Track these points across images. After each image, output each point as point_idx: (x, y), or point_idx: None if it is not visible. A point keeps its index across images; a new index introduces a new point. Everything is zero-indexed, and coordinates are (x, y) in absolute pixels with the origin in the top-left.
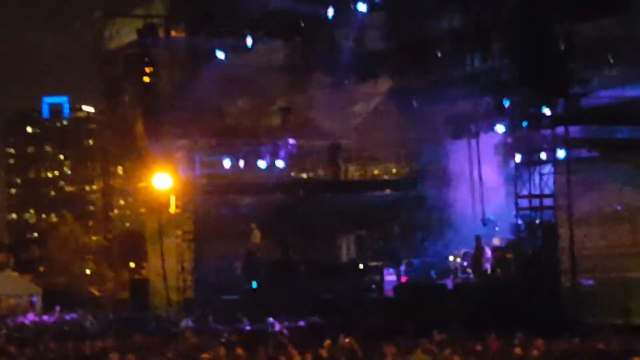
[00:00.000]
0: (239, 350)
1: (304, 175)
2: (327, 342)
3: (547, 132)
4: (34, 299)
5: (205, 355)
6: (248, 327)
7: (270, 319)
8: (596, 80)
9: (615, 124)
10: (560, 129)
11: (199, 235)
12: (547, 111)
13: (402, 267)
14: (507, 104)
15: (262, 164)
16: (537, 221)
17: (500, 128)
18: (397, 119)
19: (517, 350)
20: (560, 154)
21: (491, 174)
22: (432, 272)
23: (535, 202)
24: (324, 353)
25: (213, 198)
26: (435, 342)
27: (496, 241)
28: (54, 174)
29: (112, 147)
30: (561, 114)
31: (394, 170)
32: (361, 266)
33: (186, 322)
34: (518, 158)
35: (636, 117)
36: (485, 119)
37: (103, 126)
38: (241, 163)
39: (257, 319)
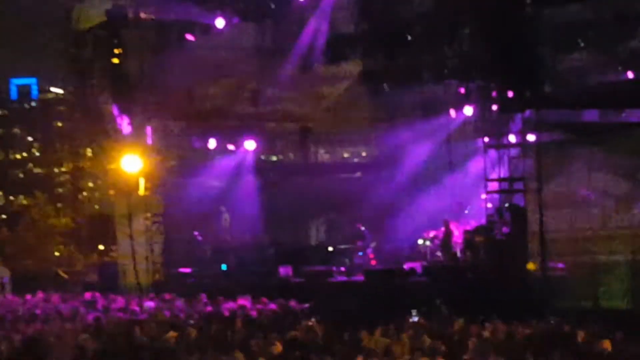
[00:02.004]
0: (209, 332)
1: (274, 158)
2: (298, 325)
3: (517, 115)
4: (5, 279)
5: (172, 334)
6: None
7: (241, 301)
8: (566, 64)
9: (584, 108)
10: (529, 113)
11: (169, 217)
12: (517, 95)
13: (371, 250)
14: (477, 87)
15: (231, 146)
16: (507, 205)
17: (469, 111)
18: (368, 101)
19: (486, 333)
20: (530, 137)
21: (460, 157)
22: (402, 256)
23: (505, 185)
24: (293, 336)
25: (183, 181)
26: (404, 326)
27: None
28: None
29: (81, 129)
30: (531, 97)
31: (364, 153)
32: (331, 249)
33: (153, 304)
34: (487, 141)
35: (605, 101)
36: (455, 103)
37: (72, 108)
38: (211, 145)
39: (227, 302)
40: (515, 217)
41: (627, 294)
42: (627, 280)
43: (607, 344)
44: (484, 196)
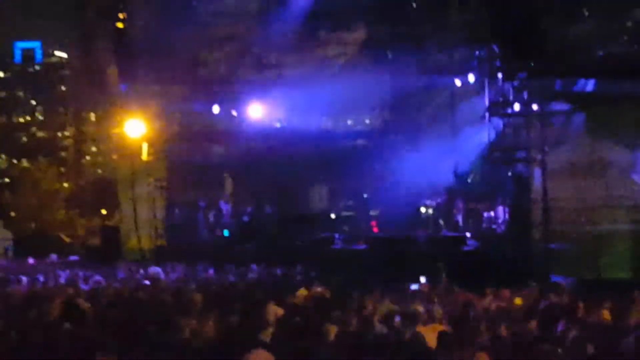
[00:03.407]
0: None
1: (277, 124)
2: (301, 290)
3: (521, 84)
4: (8, 247)
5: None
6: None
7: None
8: (571, 33)
9: (589, 77)
10: (534, 82)
11: (171, 183)
12: (521, 64)
13: (373, 218)
14: (481, 56)
15: (235, 112)
16: (510, 174)
17: (473, 79)
18: (371, 69)
19: (487, 302)
20: (534, 107)
21: (464, 126)
22: (404, 224)
23: (508, 155)
24: (296, 302)
25: (186, 146)
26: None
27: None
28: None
29: (85, 94)
30: (535, 67)
31: (367, 121)
32: (333, 216)
33: (155, 269)
34: (491, 110)
35: (610, 72)
36: (459, 71)
37: (76, 72)
38: (215, 111)
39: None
40: (518, 186)
41: (630, 264)
42: (630, 250)
43: (606, 314)
44: (487, 165)
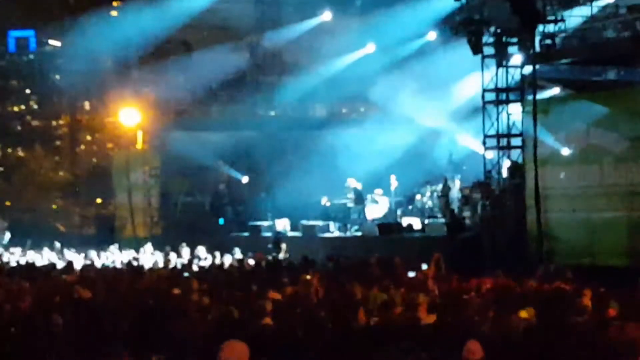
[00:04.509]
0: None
1: (272, 113)
2: (302, 276)
3: (517, 70)
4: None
5: (175, 290)
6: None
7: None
8: (566, 19)
9: (584, 64)
10: (529, 68)
11: (166, 171)
12: (517, 50)
13: (369, 205)
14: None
15: (230, 100)
16: (504, 161)
17: (468, 65)
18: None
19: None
20: (529, 93)
21: (459, 112)
22: (399, 211)
23: (503, 141)
24: (291, 290)
25: (180, 134)
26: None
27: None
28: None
29: (79, 82)
30: (531, 53)
31: (362, 109)
32: (328, 204)
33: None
34: (486, 97)
35: (606, 58)
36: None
37: (70, 61)
38: (209, 99)
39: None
40: (512, 173)
41: (624, 251)
42: (624, 237)
43: (586, 300)
44: (482, 152)
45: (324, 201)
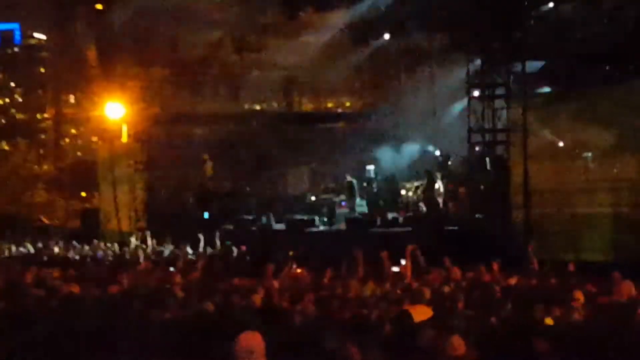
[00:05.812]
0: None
1: (258, 107)
2: (287, 269)
3: (502, 67)
4: None
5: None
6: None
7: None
8: (551, 16)
9: (569, 60)
10: (514, 65)
11: (151, 165)
12: (502, 46)
13: (354, 200)
14: (461, 38)
15: (215, 95)
16: (488, 156)
17: (454, 62)
18: (352, 52)
19: (464, 283)
20: (514, 89)
21: (445, 107)
22: (384, 205)
23: (489, 137)
24: (276, 283)
25: (165, 128)
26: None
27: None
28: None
29: (64, 75)
30: (516, 49)
31: (347, 104)
32: (313, 198)
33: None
34: (472, 92)
35: (590, 55)
36: (441, 54)
37: (55, 54)
38: (194, 93)
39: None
40: (496, 167)
41: (609, 247)
42: (608, 233)
43: (579, 295)
44: (467, 147)
45: (310, 196)
